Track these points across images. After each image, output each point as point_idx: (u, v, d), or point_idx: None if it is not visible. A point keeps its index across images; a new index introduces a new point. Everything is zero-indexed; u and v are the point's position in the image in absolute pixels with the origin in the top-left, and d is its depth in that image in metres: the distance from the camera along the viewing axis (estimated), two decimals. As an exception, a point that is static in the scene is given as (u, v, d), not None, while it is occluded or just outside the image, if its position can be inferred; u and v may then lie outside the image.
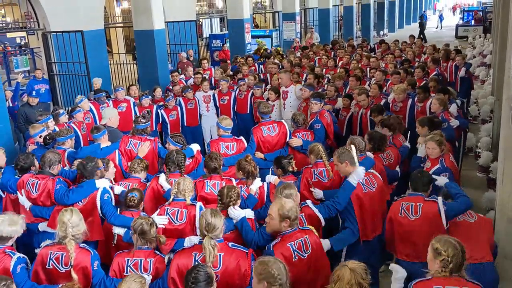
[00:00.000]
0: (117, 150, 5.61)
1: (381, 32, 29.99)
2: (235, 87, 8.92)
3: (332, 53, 13.27)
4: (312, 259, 3.56)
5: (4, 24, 14.13)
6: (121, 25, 17.20)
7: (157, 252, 3.72)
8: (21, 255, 3.69)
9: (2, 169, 5.11)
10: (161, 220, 4.06)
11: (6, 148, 6.21)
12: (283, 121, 6.21)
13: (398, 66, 9.62)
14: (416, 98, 7.20)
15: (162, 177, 4.78)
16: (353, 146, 4.44)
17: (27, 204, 4.69)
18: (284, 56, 13.11)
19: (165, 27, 12.27)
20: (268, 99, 7.95)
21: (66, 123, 6.79)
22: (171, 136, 5.66)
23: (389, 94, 7.73)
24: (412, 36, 15.20)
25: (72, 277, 3.46)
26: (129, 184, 4.87)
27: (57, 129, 6.31)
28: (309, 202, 4.29)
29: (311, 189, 4.74)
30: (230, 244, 3.50)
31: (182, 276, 3.26)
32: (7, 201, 4.92)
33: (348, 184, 4.22)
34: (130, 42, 22.33)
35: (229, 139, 5.77)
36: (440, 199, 4.03)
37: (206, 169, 4.82)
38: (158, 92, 8.89)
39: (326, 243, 3.96)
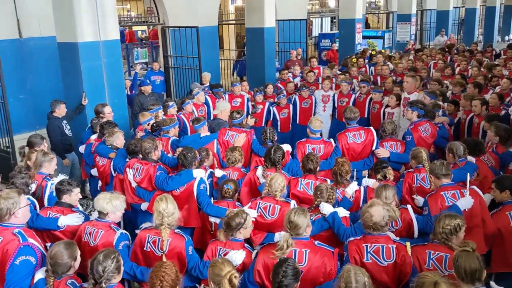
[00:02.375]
0: (215, 140, 5.87)
1: (506, 37, 27.49)
2: (356, 89, 8.64)
3: (449, 57, 12.41)
4: (392, 269, 3.39)
5: (128, 18, 15.24)
6: (234, 22, 17.67)
7: (247, 246, 3.79)
8: (124, 231, 3.92)
9: (117, 151, 5.53)
10: (252, 214, 4.10)
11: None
12: (371, 128, 5.84)
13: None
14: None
15: (259, 170, 4.89)
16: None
17: (133, 182, 5.02)
18: (393, 58, 12.53)
19: (276, 25, 12.38)
20: (387, 106, 7.62)
21: (175, 114, 7.08)
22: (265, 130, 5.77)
23: (510, 106, 7.02)
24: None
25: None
26: (230, 172, 5.05)
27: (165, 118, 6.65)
28: (409, 207, 4.22)
29: (413, 196, 4.61)
30: (316, 242, 3.52)
31: (267, 269, 3.37)
32: (117, 180, 5.31)
33: (456, 208, 4.03)
34: (240, 39, 22.93)
35: (317, 141, 5.64)
36: None
37: (302, 168, 4.84)
38: (270, 89, 8.97)
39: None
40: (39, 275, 3.27)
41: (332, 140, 5.78)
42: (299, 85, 9.33)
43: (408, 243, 3.47)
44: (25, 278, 3.32)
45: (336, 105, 8.47)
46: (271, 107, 8.29)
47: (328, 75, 9.44)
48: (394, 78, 9.49)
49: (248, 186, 4.90)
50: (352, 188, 4.59)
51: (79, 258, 3.28)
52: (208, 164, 5.33)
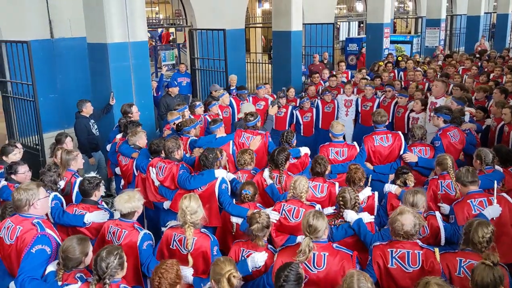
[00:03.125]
0: (231, 142, 5.87)
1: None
2: (380, 94, 8.57)
3: (479, 63, 12.13)
4: (417, 276, 3.30)
5: (157, 21, 15.43)
6: (261, 25, 17.70)
7: (270, 247, 3.77)
8: (148, 231, 3.94)
9: (139, 150, 5.60)
10: (273, 216, 4.10)
11: (148, 133, 6.77)
12: (399, 132, 5.79)
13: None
14: None
15: (266, 172, 4.90)
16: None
17: (156, 181, 5.07)
18: (421, 64, 12.33)
19: (303, 29, 12.34)
20: (412, 110, 7.52)
21: (202, 114, 7.16)
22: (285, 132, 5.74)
23: None
24: None
25: (188, 260, 3.64)
26: (239, 175, 5.06)
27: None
28: (438, 214, 4.16)
29: (439, 204, 4.53)
30: (334, 245, 3.50)
31: None
32: (139, 180, 5.37)
33: (484, 217, 3.91)
34: (267, 42, 22.96)
35: (340, 145, 5.63)
36: None
37: (311, 171, 4.84)
38: (292, 92, 8.94)
39: None
40: (51, 267, 3.35)
41: (355, 143, 5.74)
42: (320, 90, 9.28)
43: (436, 249, 3.39)
44: (39, 267, 3.39)
45: (359, 109, 8.41)
46: (294, 111, 8.27)
47: (350, 79, 9.39)
48: (427, 83, 9.38)
49: None
50: (364, 194, 4.54)
51: (90, 254, 3.32)
52: (222, 165, 5.31)
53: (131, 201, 3.88)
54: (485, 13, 21.60)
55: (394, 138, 5.64)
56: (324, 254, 3.39)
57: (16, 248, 3.55)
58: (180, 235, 3.76)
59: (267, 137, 5.94)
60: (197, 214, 3.76)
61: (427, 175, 5.37)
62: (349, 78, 10.67)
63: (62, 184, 4.75)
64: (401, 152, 5.57)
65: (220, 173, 4.76)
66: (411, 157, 5.49)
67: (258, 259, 3.55)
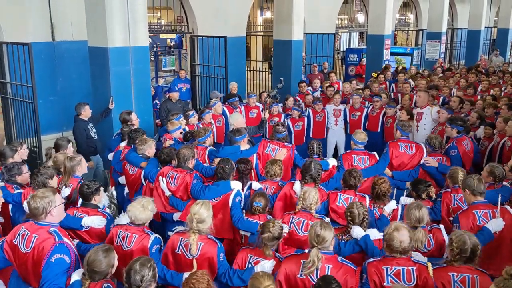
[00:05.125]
0: (255, 154, 5.80)
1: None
2: (367, 104, 8.65)
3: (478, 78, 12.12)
4: None
5: (158, 26, 15.49)
6: (262, 33, 17.77)
7: (278, 255, 3.75)
8: (158, 236, 3.93)
9: (148, 160, 5.49)
10: (284, 229, 4.04)
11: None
12: (422, 145, 5.89)
13: None
14: None
15: (298, 184, 4.80)
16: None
17: (167, 191, 4.95)
18: (419, 76, 12.34)
19: (304, 38, 12.40)
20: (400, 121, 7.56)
21: (195, 124, 7.13)
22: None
23: None
24: None
25: (193, 266, 3.62)
26: (267, 186, 4.99)
27: (187, 128, 6.70)
28: (442, 227, 4.11)
29: (450, 218, 4.48)
30: (339, 258, 3.46)
31: (288, 280, 3.37)
32: (147, 189, 5.24)
33: (488, 231, 3.94)
34: (268, 51, 23.03)
35: (362, 153, 5.68)
36: None
37: (343, 183, 4.78)
38: (290, 101, 8.95)
39: None
40: (75, 276, 3.28)
41: (375, 153, 5.78)
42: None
43: (429, 264, 3.37)
44: (60, 276, 3.34)
45: (348, 119, 8.45)
46: (286, 119, 8.27)
47: (338, 90, 9.45)
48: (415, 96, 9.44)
49: (282, 201, 4.81)
50: (390, 207, 4.50)
51: (116, 263, 3.29)
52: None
53: (146, 212, 3.88)
54: (485, 27, 21.72)
55: (417, 149, 5.82)
56: (328, 266, 3.35)
57: (33, 257, 3.49)
58: (186, 240, 3.72)
59: (293, 150, 5.88)
60: (205, 223, 3.72)
61: (443, 184, 5.35)
62: (340, 88, 10.70)
63: (68, 191, 4.69)
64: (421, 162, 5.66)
65: (236, 185, 4.70)
66: (432, 161, 5.56)
67: (267, 267, 3.53)
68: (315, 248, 3.34)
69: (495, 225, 3.98)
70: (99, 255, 3.15)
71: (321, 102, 8.56)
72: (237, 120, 6.77)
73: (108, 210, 4.61)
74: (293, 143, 7.95)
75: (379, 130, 8.23)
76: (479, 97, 9.09)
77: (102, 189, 4.50)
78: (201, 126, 7.01)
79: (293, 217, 4.20)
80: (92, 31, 7.21)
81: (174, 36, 21.72)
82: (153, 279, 3.05)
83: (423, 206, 3.96)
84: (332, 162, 5.59)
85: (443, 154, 5.85)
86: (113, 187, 6.26)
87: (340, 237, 4.00)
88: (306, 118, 8.37)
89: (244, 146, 5.86)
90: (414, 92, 9.87)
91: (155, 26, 14.97)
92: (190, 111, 7.35)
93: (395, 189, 5.54)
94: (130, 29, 7.10)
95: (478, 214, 4.12)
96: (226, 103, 8.54)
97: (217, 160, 5.36)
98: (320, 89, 10.36)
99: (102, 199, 4.61)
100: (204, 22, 11.89)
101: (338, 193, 4.68)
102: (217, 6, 12.13)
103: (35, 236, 3.51)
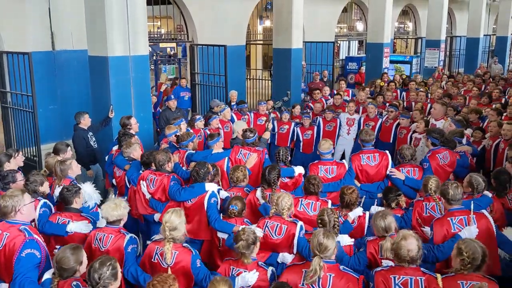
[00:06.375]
0: (227, 158, 5.86)
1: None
2: (384, 113, 8.50)
3: (483, 86, 12.11)
4: None
5: (158, 35, 15.55)
6: (261, 42, 17.84)
7: (261, 264, 3.75)
8: (134, 235, 4.01)
9: (131, 162, 5.63)
10: (258, 232, 4.06)
11: (146, 147, 6.78)
12: (387, 152, 5.74)
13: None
14: None
15: (259, 192, 4.87)
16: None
17: (147, 194, 5.11)
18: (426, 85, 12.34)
19: (303, 46, 12.44)
20: (415, 131, 7.48)
21: (202, 128, 7.18)
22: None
23: None
24: None
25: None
26: (233, 193, 4.97)
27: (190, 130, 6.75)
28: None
29: (422, 228, 4.45)
30: (341, 267, 3.46)
31: None
32: (131, 191, 5.39)
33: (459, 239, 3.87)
34: (267, 59, 23.11)
35: (329, 163, 5.58)
36: None
37: (304, 190, 4.80)
38: (297, 109, 8.95)
39: None
40: (47, 275, 3.38)
41: (345, 161, 5.72)
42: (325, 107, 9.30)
43: (438, 275, 3.33)
44: (32, 270, 3.46)
45: (361, 128, 8.36)
46: (295, 128, 8.26)
47: (353, 98, 9.38)
48: (430, 105, 9.39)
49: (248, 208, 4.83)
50: (355, 213, 4.49)
51: (85, 262, 3.34)
52: (216, 180, 5.27)
53: (117, 209, 3.99)
54: (484, 35, 21.81)
55: (381, 158, 5.63)
56: (330, 275, 3.34)
57: (4, 254, 3.60)
58: (162, 249, 3.76)
59: (263, 154, 5.89)
60: (177, 230, 3.75)
61: (413, 197, 5.24)
62: (350, 96, 10.68)
63: (50, 187, 4.80)
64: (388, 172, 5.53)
65: (211, 187, 4.78)
66: (398, 174, 5.43)
67: (249, 278, 3.51)
68: (317, 257, 3.34)
69: (468, 232, 3.93)
70: (66, 253, 3.25)
71: (332, 111, 8.47)
72: (242, 128, 6.77)
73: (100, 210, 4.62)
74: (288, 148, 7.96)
75: (391, 141, 7.97)
76: (493, 106, 8.88)
77: (82, 191, 4.53)
78: (208, 131, 7.09)
79: (267, 221, 4.23)
80: (92, 40, 7.23)
81: (174, 45, 21.82)
82: (112, 278, 3.10)
83: (388, 214, 3.95)
84: (299, 170, 5.54)
85: (416, 165, 5.69)
86: (111, 190, 6.33)
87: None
88: (316, 127, 8.30)
89: (217, 150, 5.94)
90: (429, 101, 9.83)
91: (155, 35, 15.03)
92: (197, 116, 7.43)
93: (364, 197, 5.40)
94: (130, 38, 7.12)
95: (453, 221, 4.09)
96: (235, 109, 8.57)
97: (192, 163, 5.47)
98: (333, 97, 10.07)
99: (94, 195, 4.77)
100: (203, 31, 11.94)
101: (300, 198, 4.68)
102: (216, 15, 12.19)
103: (6, 234, 3.64)
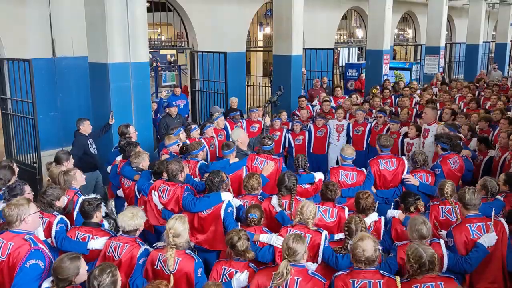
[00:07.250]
0: (244, 167, 5.79)
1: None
2: (370, 119, 8.62)
3: (477, 92, 12.16)
4: None
5: (158, 42, 15.59)
6: (261, 49, 17.88)
7: (251, 265, 3.78)
8: (148, 247, 3.96)
9: (141, 172, 5.53)
10: (278, 241, 4.07)
11: (145, 154, 6.74)
12: (403, 157, 5.85)
13: None
14: None
15: (274, 199, 4.81)
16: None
17: (159, 205, 4.99)
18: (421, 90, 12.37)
19: (303, 53, 12.46)
20: (406, 136, 7.52)
21: (197, 138, 7.11)
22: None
23: None
24: None
25: (170, 281, 3.62)
26: (246, 201, 4.92)
27: (188, 142, 6.67)
28: (442, 242, 4.05)
29: (439, 232, 4.47)
30: (309, 271, 3.50)
31: None
32: (141, 202, 5.28)
33: (482, 248, 3.92)
34: (267, 66, 23.14)
35: (350, 169, 5.62)
36: None
37: (321, 195, 4.80)
38: (284, 115, 8.91)
39: None
40: (46, 284, 3.34)
41: (364, 169, 5.73)
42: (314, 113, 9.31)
43: (397, 277, 3.35)
44: (32, 282, 3.41)
45: (351, 134, 8.42)
46: (287, 134, 8.28)
47: (340, 104, 9.40)
48: (415, 110, 9.49)
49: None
50: (371, 218, 4.50)
51: (83, 272, 3.28)
52: (226, 189, 5.14)
53: (134, 218, 3.93)
54: (484, 42, 21.87)
55: (398, 163, 5.71)
56: (297, 279, 3.40)
57: (8, 264, 3.55)
58: (164, 256, 3.74)
59: (281, 163, 5.87)
60: (181, 237, 3.74)
61: (427, 203, 5.26)
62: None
63: (65, 201, 4.65)
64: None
65: (227, 196, 4.70)
66: (413, 180, 5.49)
67: (242, 279, 3.57)
68: (285, 261, 3.40)
69: (488, 239, 3.95)
70: (63, 262, 3.20)
71: (323, 118, 8.53)
72: (240, 136, 6.60)
73: (106, 225, 4.57)
74: (281, 155, 7.95)
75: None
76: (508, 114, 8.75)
77: (103, 204, 4.47)
78: (202, 140, 7.00)
79: (290, 230, 4.18)
80: (92, 47, 7.25)
81: (174, 51, 21.88)
82: (111, 285, 3.07)
83: (427, 221, 3.90)
84: (319, 176, 5.56)
85: (428, 170, 5.73)
86: (113, 201, 6.27)
87: (339, 251, 4.00)
88: (307, 133, 8.36)
89: (233, 160, 5.87)
90: (417, 107, 9.89)
91: (155, 42, 15.07)
92: (193, 125, 7.37)
93: (378, 203, 5.41)
94: (131, 45, 7.14)
95: (472, 228, 4.09)
96: (228, 117, 8.55)
97: (206, 175, 5.32)
98: (322, 104, 10.14)
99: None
100: (204, 38, 11.97)
101: (317, 205, 4.62)
102: (217, 22, 12.23)
103: (10, 244, 3.60)
